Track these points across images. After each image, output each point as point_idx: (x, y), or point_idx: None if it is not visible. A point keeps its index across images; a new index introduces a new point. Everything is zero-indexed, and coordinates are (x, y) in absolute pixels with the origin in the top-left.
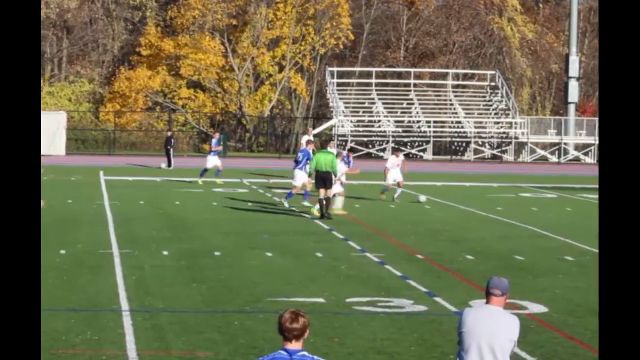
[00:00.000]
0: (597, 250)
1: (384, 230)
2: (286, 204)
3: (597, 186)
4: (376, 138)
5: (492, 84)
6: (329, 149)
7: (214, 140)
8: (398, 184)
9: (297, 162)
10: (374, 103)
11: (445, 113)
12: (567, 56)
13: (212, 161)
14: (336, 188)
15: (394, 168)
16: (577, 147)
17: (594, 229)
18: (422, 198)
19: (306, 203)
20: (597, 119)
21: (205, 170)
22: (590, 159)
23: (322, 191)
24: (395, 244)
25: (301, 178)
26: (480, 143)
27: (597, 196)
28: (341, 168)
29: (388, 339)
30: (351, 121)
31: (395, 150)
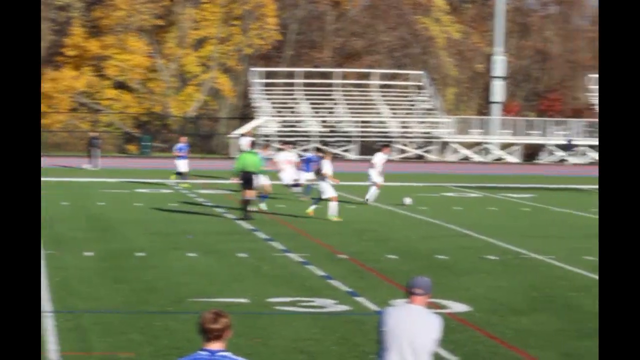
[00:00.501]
0: (521, 250)
1: (308, 231)
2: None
3: (520, 186)
4: (301, 138)
5: (418, 83)
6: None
7: (181, 145)
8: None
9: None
10: (299, 103)
11: (371, 113)
12: (492, 56)
13: (183, 165)
14: (330, 192)
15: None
16: (501, 147)
17: (517, 229)
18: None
19: (263, 206)
20: (523, 118)
21: (181, 173)
22: (514, 159)
23: (246, 192)
24: (319, 244)
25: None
26: (404, 143)
27: (520, 195)
28: (327, 171)
29: (310, 339)
30: (277, 121)
31: (384, 147)
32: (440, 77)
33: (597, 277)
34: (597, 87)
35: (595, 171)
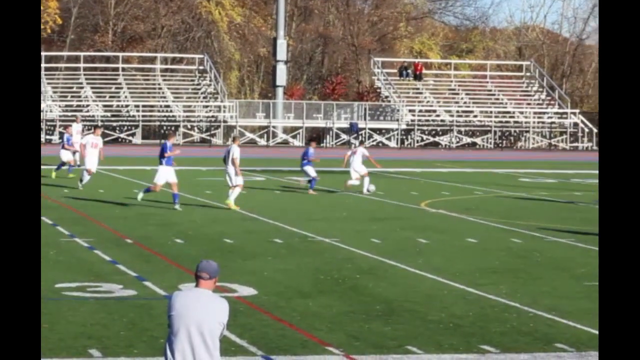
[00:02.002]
0: (307, 233)
1: (93, 215)
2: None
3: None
4: (85, 123)
5: (201, 67)
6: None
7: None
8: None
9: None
10: (82, 87)
11: (154, 97)
12: (275, 40)
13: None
14: (239, 179)
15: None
16: (286, 130)
17: (302, 212)
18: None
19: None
20: (307, 102)
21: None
22: (299, 142)
23: None
24: (105, 228)
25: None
26: (189, 127)
27: (305, 178)
28: (236, 158)
29: (98, 324)
30: (60, 106)
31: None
32: (223, 61)
33: (382, 258)
34: (381, 70)
35: (381, 154)
